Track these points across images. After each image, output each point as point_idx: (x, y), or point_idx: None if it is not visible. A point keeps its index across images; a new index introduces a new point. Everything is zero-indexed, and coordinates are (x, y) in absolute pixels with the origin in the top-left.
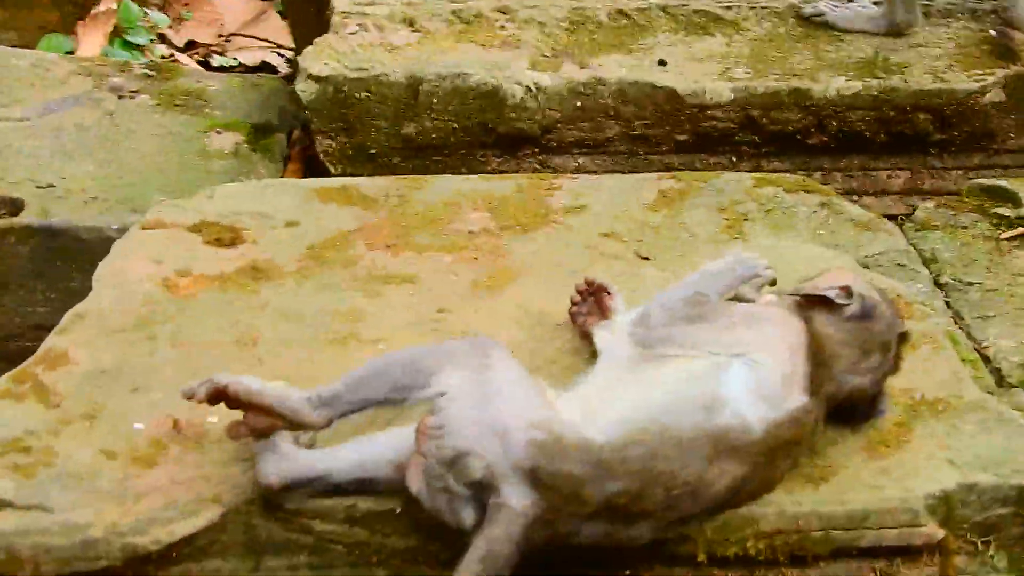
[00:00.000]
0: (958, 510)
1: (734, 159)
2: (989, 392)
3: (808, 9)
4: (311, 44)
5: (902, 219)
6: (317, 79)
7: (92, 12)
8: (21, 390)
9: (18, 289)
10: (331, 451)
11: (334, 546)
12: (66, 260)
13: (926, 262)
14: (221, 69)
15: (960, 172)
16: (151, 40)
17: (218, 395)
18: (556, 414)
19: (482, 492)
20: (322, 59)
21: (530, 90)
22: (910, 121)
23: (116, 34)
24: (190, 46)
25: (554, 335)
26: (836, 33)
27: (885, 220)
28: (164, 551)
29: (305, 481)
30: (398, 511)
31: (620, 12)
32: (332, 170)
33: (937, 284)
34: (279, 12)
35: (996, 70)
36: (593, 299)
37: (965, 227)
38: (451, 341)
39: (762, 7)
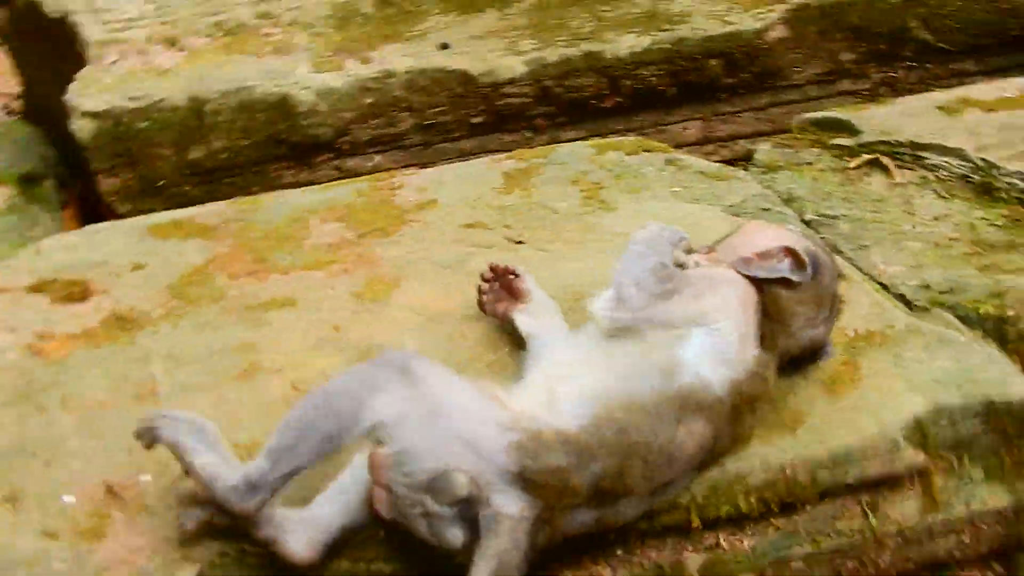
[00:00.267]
0: (932, 432)
1: (529, 134)
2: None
3: None
4: (47, 82)
5: (744, 164)
6: (92, 115)
7: None
8: None
9: None
10: (324, 499)
11: None
12: None
13: (785, 203)
14: None
15: (751, 114)
16: None
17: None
18: (521, 410)
19: (468, 508)
20: (91, 94)
21: (319, 94)
22: (701, 69)
23: None
24: None
25: (463, 331)
26: None
27: (731, 167)
28: None
29: (333, 541)
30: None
31: (384, 1)
32: (119, 209)
33: (804, 222)
34: None
35: (775, 6)
36: (499, 284)
37: (810, 163)
38: (360, 367)
39: None
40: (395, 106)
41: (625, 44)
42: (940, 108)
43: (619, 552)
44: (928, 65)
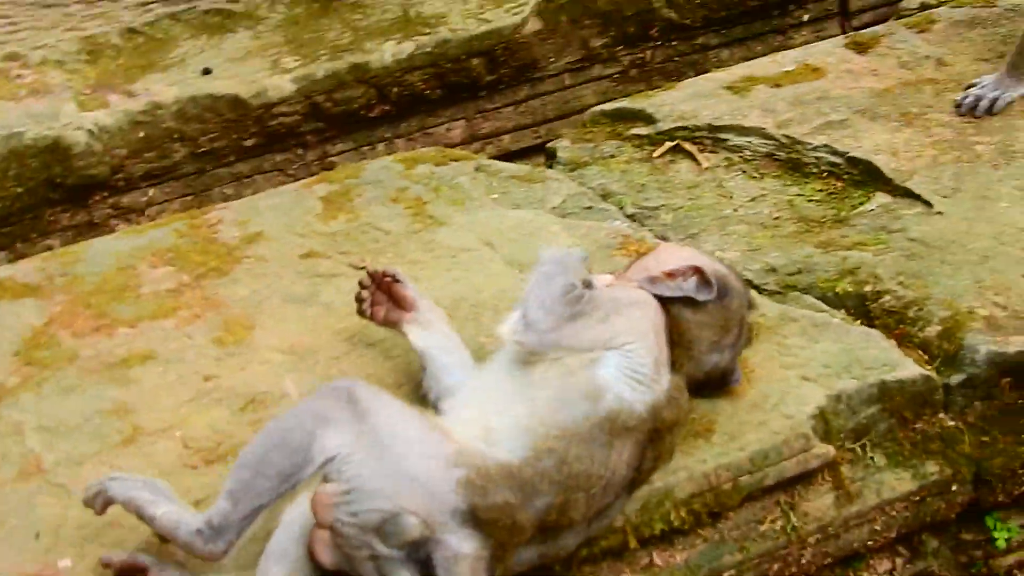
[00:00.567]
0: (833, 421)
1: (300, 151)
2: None
3: None
4: None
5: (548, 163)
6: None
7: None
8: None
9: None
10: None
11: None
12: None
13: (603, 199)
14: None
15: (511, 108)
16: None
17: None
18: (464, 444)
19: (416, 549)
20: None
21: (92, 133)
22: (464, 70)
23: None
24: None
25: (341, 367)
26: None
27: (539, 169)
28: None
29: None
30: None
31: (131, 31)
32: None
33: (628, 217)
34: None
35: None
36: (379, 288)
37: (614, 156)
38: (309, 399)
39: None
40: (168, 137)
41: (388, 52)
42: (728, 88)
43: None
44: (674, 43)
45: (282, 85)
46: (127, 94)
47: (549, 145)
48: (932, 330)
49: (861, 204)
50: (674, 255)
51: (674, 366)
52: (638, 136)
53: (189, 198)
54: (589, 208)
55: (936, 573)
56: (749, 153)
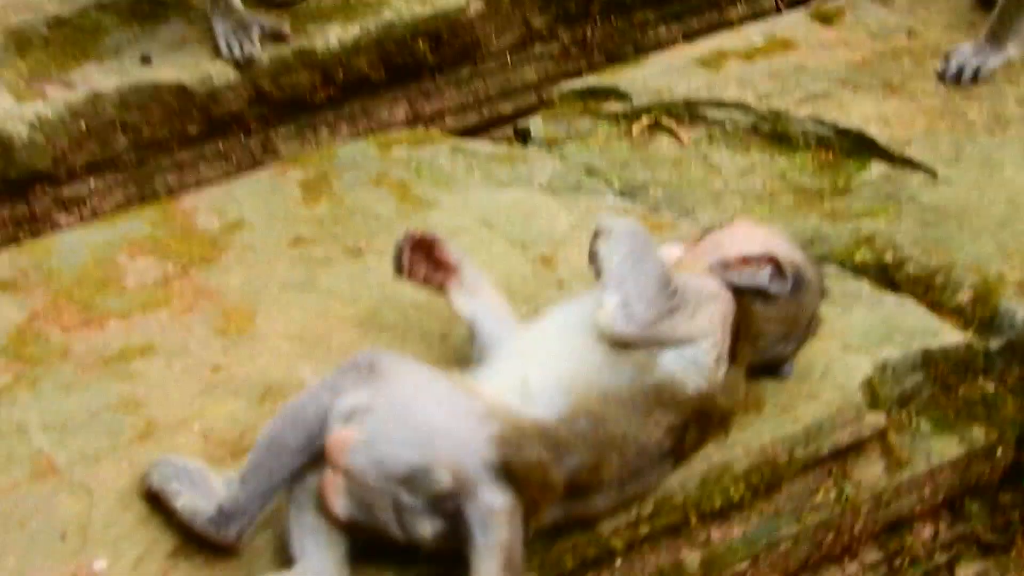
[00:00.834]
0: (880, 390)
1: (243, 137)
2: None
3: None
4: None
5: (520, 142)
6: None
7: None
8: None
9: None
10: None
11: None
12: None
13: (588, 175)
14: None
15: (454, 89)
16: None
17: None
18: (497, 400)
19: (443, 501)
20: None
21: (34, 125)
22: (409, 52)
23: None
24: None
25: (366, 344)
26: None
27: (517, 146)
28: None
29: None
30: None
31: (59, 21)
32: None
33: (620, 194)
34: None
35: None
36: (418, 249)
37: (590, 133)
38: (326, 376)
39: None
40: (110, 127)
41: (333, 36)
42: (700, 62)
43: (619, 563)
44: (613, 20)
45: (227, 72)
46: (65, 85)
47: (520, 123)
48: (964, 296)
49: (859, 174)
50: (750, 236)
51: (736, 358)
52: (613, 113)
53: (132, 188)
54: (577, 185)
55: (978, 535)
56: (731, 127)
